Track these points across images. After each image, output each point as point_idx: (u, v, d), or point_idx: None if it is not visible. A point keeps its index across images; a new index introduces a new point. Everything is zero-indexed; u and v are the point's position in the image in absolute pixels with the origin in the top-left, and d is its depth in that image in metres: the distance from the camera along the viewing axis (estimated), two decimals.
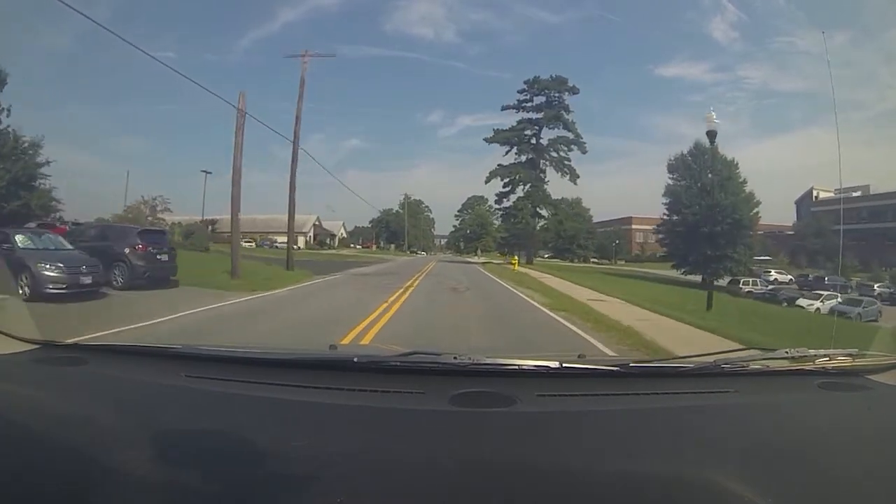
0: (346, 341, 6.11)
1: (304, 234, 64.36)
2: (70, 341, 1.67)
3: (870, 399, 1.33)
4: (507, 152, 45.89)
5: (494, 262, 47.83)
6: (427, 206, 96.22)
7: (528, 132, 45.48)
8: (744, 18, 65.62)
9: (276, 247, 55.69)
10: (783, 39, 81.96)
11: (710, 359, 1.43)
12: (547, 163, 45.10)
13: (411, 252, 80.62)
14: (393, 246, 76.37)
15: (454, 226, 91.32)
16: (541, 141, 45.28)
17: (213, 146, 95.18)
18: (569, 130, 44.26)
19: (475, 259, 61.99)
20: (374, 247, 79.29)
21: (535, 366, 1.33)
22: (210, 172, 55.64)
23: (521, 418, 1.12)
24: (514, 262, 33.49)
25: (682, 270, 31.75)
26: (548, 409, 1.17)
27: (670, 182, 32.56)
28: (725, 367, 1.40)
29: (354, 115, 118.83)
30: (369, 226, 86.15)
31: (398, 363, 1.35)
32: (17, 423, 1.05)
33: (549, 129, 44.89)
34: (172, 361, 1.44)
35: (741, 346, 1.89)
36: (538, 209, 46.11)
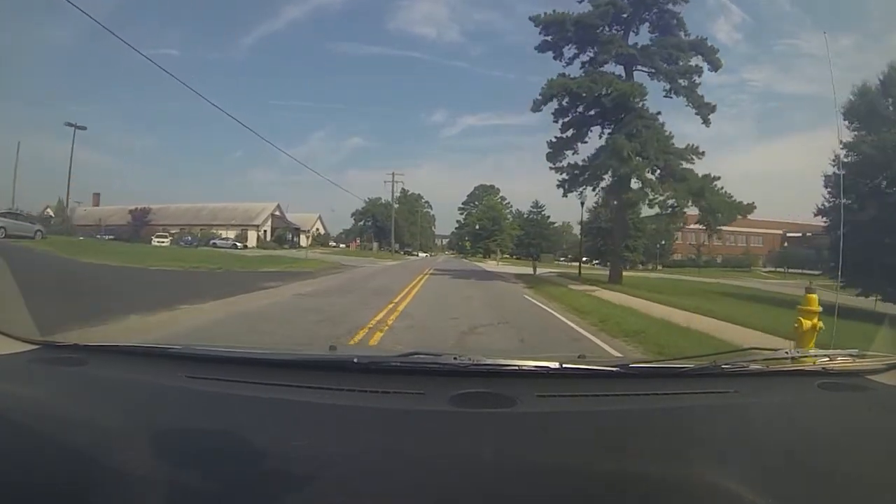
0: None
1: (257, 227, 49.74)
2: (70, 341, 1.66)
3: (870, 399, 1.34)
4: (568, 62, 21.51)
5: (546, 273, 26.96)
6: (427, 202, 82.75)
7: (608, 28, 21.04)
8: (748, 20, 62.61)
9: (216, 245, 41.02)
10: (787, 42, 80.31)
11: (710, 359, 1.44)
12: (659, 76, 20.65)
13: (405, 253, 65.18)
14: (376, 245, 60.80)
15: (458, 221, 77.72)
16: (634, 42, 21.22)
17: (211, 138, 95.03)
18: (678, 31, 20.68)
19: (496, 266, 40.37)
20: (353, 246, 64.34)
21: (535, 366, 1.33)
22: (85, 128, 33.81)
23: (521, 419, 1.13)
24: None
25: (863, 292, 16.76)
26: (548, 410, 1.18)
27: (855, 135, 16.67)
28: (725, 367, 1.40)
29: (356, 113, 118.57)
30: (353, 219, 71.23)
31: (398, 364, 1.35)
32: (17, 423, 1.04)
33: (636, 33, 21.36)
34: (172, 361, 1.44)
35: (741, 347, 1.81)
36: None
